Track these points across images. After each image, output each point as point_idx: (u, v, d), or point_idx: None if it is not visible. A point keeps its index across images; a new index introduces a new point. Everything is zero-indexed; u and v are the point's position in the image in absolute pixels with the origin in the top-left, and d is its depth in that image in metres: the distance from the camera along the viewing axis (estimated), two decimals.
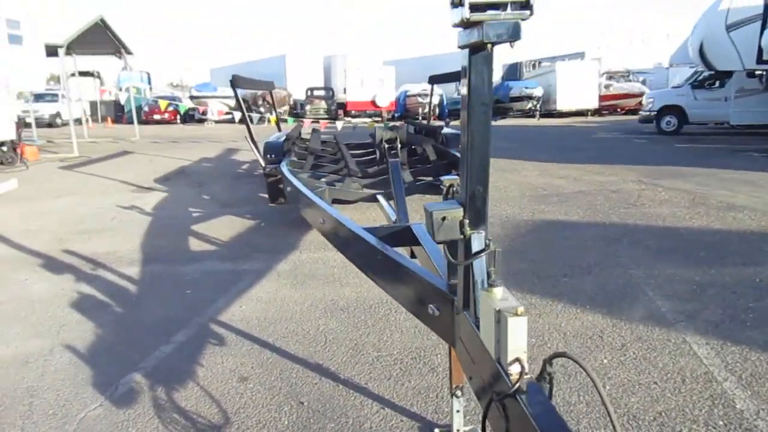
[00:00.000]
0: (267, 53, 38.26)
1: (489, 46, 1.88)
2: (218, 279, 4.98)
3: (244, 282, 4.86)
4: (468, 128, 1.97)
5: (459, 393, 2.60)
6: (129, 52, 19.40)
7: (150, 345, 3.69)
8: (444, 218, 2.08)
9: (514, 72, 35.46)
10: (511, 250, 5.67)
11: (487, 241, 2.11)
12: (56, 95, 28.74)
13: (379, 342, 3.67)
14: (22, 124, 13.09)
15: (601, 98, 29.97)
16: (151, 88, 38.20)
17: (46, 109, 28.14)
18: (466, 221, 2.07)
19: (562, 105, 29.58)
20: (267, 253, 5.66)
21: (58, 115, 28.67)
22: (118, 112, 34.16)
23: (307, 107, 31.41)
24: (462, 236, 2.09)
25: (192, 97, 32.38)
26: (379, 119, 26.93)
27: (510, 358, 1.71)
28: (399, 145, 6.83)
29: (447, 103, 30.63)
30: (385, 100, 31.14)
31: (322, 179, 6.94)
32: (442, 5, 1.79)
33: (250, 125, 7.59)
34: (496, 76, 36.49)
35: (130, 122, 24.67)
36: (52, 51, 14.44)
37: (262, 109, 31.12)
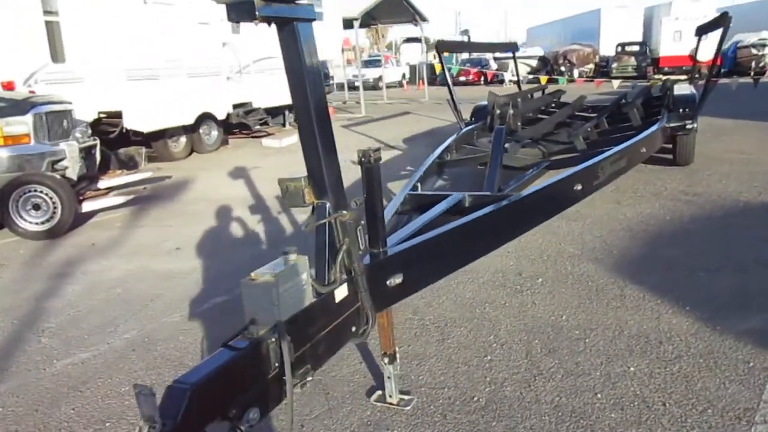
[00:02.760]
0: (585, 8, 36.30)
1: (296, 21, 1.91)
2: None
3: None
4: (296, 100, 2.03)
5: (386, 360, 2.65)
6: (424, 19, 20.89)
7: None
8: (287, 187, 2.20)
9: None
10: (679, 233, 4.87)
11: (330, 212, 2.18)
12: (380, 61, 32.70)
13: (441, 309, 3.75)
14: None
15: None
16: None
17: (371, 73, 32.26)
18: (306, 190, 2.16)
19: None
20: None
21: (380, 78, 32.56)
22: (432, 75, 36.94)
23: (614, 65, 29.21)
24: (308, 204, 2.19)
25: (496, 59, 33.06)
26: (697, 76, 23.48)
27: (246, 319, 1.84)
28: (511, 112, 6.25)
29: None
30: (708, 53, 26.88)
31: (506, 144, 6.80)
32: None
33: (452, 86, 7.86)
34: None
35: (442, 84, 26.85)
36: (348, 24, 16.62)
37: (562, 68, 30.15)
